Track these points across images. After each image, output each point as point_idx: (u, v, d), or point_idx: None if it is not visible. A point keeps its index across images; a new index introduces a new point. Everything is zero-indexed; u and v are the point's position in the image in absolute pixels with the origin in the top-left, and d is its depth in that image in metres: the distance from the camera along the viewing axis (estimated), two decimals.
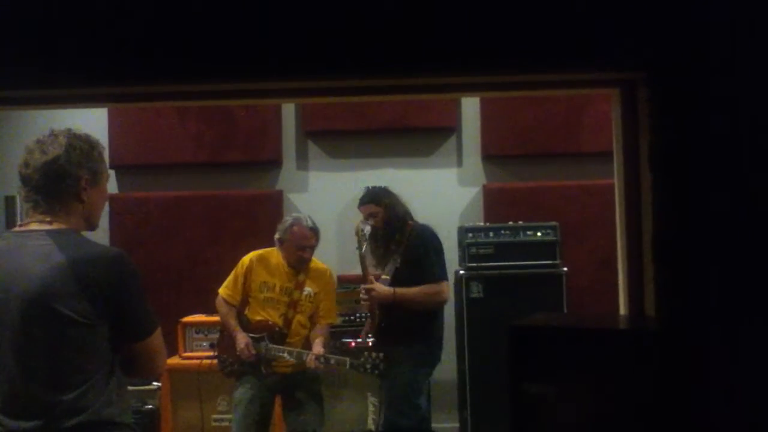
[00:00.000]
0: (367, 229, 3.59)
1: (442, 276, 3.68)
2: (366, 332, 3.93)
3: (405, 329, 3.59)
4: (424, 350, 3.67)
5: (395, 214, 3.70)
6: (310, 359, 3.56)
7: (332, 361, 3.61)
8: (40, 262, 1.82)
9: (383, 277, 3.65)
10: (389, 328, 3.62)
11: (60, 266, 1.81)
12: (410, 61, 1.87)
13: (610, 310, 2.39)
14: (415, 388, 3.61)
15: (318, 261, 3.91)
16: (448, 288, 3.73)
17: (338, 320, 4.02)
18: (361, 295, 3.62)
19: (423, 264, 3.61)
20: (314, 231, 3.76)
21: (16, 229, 1.95)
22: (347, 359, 3.58)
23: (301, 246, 3.72)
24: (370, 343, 3.83)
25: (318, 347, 3.63)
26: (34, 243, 1.85)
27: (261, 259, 3.78)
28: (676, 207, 1.84)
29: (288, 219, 3.83)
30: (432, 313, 3.69)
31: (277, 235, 3.78)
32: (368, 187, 3.88)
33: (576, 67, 1.93)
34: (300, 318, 3.76)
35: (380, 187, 3.88)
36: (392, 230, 3.66)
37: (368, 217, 3.74)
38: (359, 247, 3.56)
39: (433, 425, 4.17)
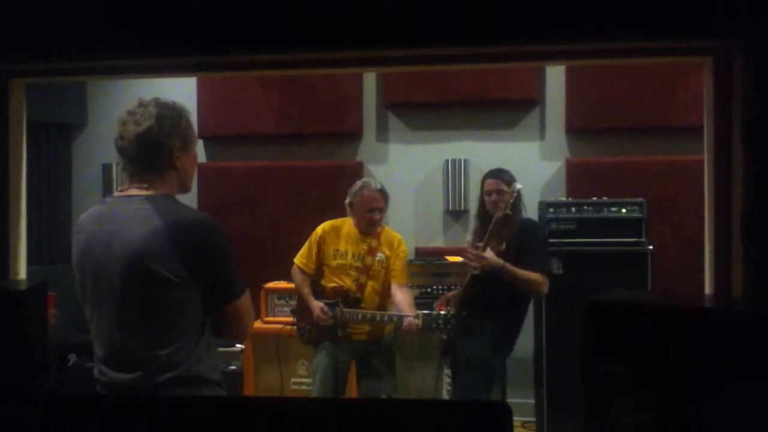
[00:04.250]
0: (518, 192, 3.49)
1: (546, 269, 3.69)
2: (446, 301, 3.89)
3: (492, 306, 3.59)
4: (505, 332, 3.68)
5: (518, 204, 3.66)
6: (407, 323, 3.59)
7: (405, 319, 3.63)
8: (139, 225, 1.91)
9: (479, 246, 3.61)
10: (477, 300, 3.60)
11: (158, 230, 1.89)
12: (493, 27, 1.84)
13: (697, 290, 2.30)
14: (488, 368, 3.63)
15: (391, 230, 3.97)
16: (547, 284, 3.68)
17: (408, 283, 4.01)
18: (469, 259, 3.56)
19: (528, 253, 3.59)
20: (383, 193, 3.81)
21: (117, 193, 2.06)
22: (420, 313, 3.62)
23: (370, 208, 3.77)
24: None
25: (411, 310, 3.66)
26: (134, 207, 1.95)
27: (333, 228, 3.86)
28: None
29: (358, 183, 3.89)
30: (522, 298, 3.71)
31: (347, 200, 3.84)
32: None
33: (667, 34, 1.84)
34: (373, 284, 3.82)
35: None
36: (510, 218, 3.60)
37: (492, 193, 3.69)
38: (507, 208, 3.47)
39: (508, 400, 4.15)
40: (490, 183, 3.74)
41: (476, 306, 3.61)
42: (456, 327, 3.60)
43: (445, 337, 3.77)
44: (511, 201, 3.54)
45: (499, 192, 3.67)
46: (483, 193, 3.79)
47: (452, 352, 3.83)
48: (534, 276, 3.58)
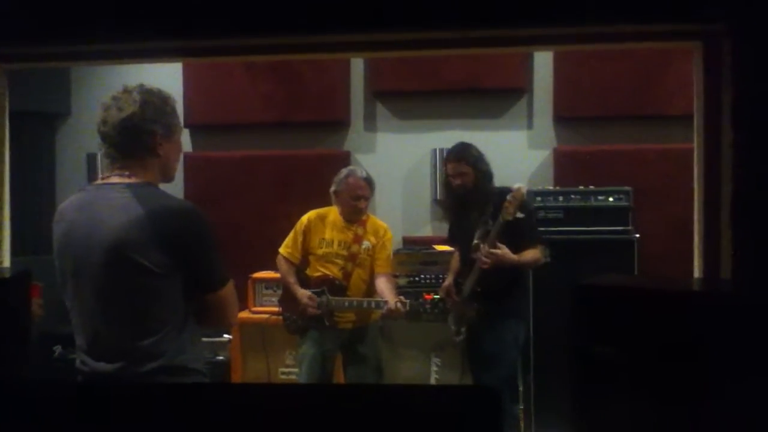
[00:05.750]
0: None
1: (540, 239, 3.69)
2: (448, 290, 3.78)
3: (504, 287, 3.59)
4: (519, 304, 3.74)
5: (486, 176, 3.62)
6: (389, 307, 3.59)
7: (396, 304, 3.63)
8: (119, 213, 1.89)
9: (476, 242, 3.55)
10: (488, 288, 3.56)
11: (138, 218, 1.87)
12: (482, 12, 1.82)
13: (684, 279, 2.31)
14: (514, 343, 3.64)
15: (377, 219, 3.97)
16: (543, 251, 3.71)
17: (392, 272, 4.00)
18: (483, 259, 3.44)
19: (523, 228, 3.52)
20: (368, 181, 3.80)
21: (98, 181, 2.04)
22: (407, 301, 3.62)
23: (356, 196, 3.75)
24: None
25: (393, 297, 3.66)
26: (114, 195, 1.92)
27: (319, 217, 3.85)
28: (758, 167, 1.75)
29: (343, 171, 3.88)
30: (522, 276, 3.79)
31: (332, 188, 3.83)
32: (461, 143, 3.79)
33: (656, 18, 1.83)
34: (360, 272, 3.81)
35: (469, 144, 3.75)
36: (482, 193, 3.58)
37: (455, 176, 3.64)
38: (515, 213, 3.35)
39: None
40: (451, 167, 3.68)
41: (490, 292, 3.56)
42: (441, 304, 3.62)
43: (459, 339, 3.73)
44: (519, 204, 3.40)
45: (461, 175, 3.61)
46: (446, 175, 3.74)
47: (470, 350, 3.77)
48: (536, 254, 3.57)
